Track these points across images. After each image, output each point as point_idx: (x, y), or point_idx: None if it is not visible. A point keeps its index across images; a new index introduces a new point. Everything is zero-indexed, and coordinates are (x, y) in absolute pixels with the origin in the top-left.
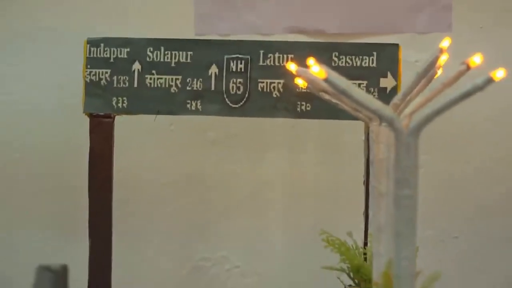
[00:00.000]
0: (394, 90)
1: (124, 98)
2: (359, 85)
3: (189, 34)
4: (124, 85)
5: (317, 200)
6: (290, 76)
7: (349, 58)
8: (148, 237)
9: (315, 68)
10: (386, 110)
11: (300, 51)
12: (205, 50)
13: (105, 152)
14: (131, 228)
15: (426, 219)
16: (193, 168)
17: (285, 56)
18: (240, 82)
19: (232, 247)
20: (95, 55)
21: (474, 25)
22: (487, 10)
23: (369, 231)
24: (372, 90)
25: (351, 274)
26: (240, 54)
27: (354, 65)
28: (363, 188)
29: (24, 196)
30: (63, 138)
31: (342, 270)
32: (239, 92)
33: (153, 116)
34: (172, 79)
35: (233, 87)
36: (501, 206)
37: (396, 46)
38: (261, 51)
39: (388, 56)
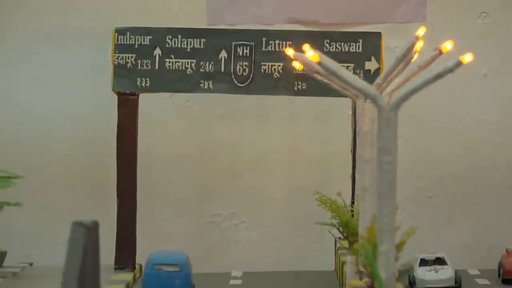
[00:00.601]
0: (377, 71)
1: (147, 79)
2: (347, 67)
3: (202, 24)
4: (147, 68)
5: (311, 165)
6: (288, 59)
7: (338, 45)
8: (167, 197)
9: (310, 53)
10: (370, 89)
11: (296, 39)
12: (215, 38)
13: (130, 125)
14: (153, 190)
15: (404, 181)
16: (205, 138)
17: (284, 43)
18: (245, 65)
19: (240, 205)
20: (122, 42)
21: (445, 16)
22: (456, 4)
23: (355, 192)
24: (358, 71)
25: (340, 229)
26: (245, 41)
27: (343, 50)
28: (350, 155)
29: (62, 163)
30: (95, 113)
31: (333, 225)
32: (244, 74)
33: (172, 94)
34: (187, 62)
35: (239, 69)
36: (468, 170)
37: (378, 34)
38: (264, 39)
39: (371, 43)
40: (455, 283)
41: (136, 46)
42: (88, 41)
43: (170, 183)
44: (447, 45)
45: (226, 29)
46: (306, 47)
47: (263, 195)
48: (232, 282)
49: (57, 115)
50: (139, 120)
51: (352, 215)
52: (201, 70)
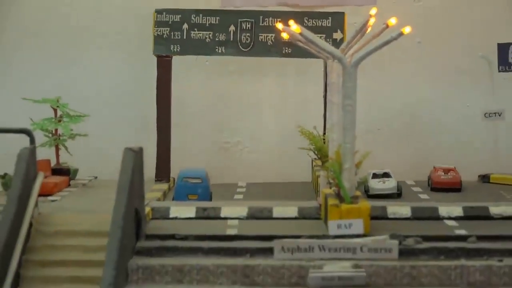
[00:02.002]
0: (342, 40)
1: (178, 45)
2: (320, 37)
3: (217, 6)
4: (177, 38)
5: (295, 107)
6: (278, 32)
7: (314, 21)
8: (192, 130)
9: (294, 27)
10: (337, 52)
11: (284, 16)
12: (226, 16)
13: (166, 79)
14: (182, 125)
15: (361, 118)
16: (219, 87)
17: (275, 19)
18: (248, 36)
19: (244, 136)
20: (160, 20)
21: (390, 0)
22: None
23: (326, 126)
24: (328, 40)
25: (316, 152)
26: (248, 18)
27: (317, 25)
28: (323, 100)
29: (117, 108)
30: (141, 71)
31: (310, 149)
32: (247, 42)
33: (195, 56)
34: (206, 34)
35: (243, 38)
36: (407, 110)
37: (343, 13)
38: (261, 17)
39: (338, 20)
40: (397, 190)
41: (170, 22)
42: (135, 19)
43: (193, 120)
44: (392, 21)
45: (234, 10)
46: (291, 22)
47: (261, 129)
48: (238, 190)
49: (114, 74)
50: (172, 75)
51: (324, 143)
52: (216, 39)
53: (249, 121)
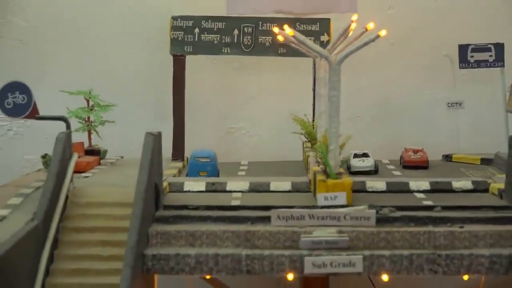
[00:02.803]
0: (328, 42)
1: (190, 46)
2: (310, 39)
3: (223, 13)
4: (190, 40)
5: (288, 98)
6: (274, 35)
7: (304, 25)
8: (202, 117)
9: (288, 30)
10: (324, 52)
11: (280, 22)
12: (231, 22)
13: (180, 75)
14: (194, 113)
15: (343, 107)
16: (225, 81)
17: (272, 24)
18: (249, 38)
19: (245, 122)
20: (175, 25)
21: (368, 8)
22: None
23: (315, 114)
24: (316, 42)
25: (306, 136)
26: (249, 23)
27: (307, 29)
28: (312, 92)
29: (138, 99)
30: (159, 68)
31: (302, 133)
32: (249, 43)
33: (206, 56)
34: (215, 36)
35: (245, 40)
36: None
37: (328, 19)
38: (260, 22)
39: (324, 25)
40: (374, 168)
41: (184, 27)
42: (155, 24)
43: (204, 109)
44: (370, 25)
45: (237, 17)
46: (285, 26)
47: (260, 116)
48: (241, 167)
49: (136, 70)
50: (185, 71)
51: (313, 128)
52: (223, 41)
53: (250, 110)
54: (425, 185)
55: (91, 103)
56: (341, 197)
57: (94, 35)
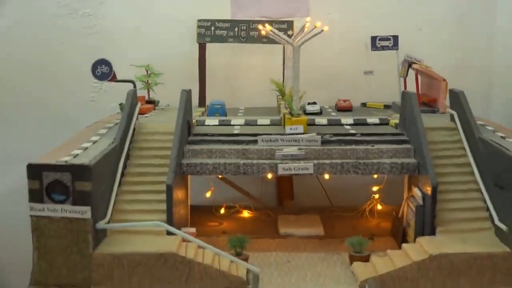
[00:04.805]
0: (292, 35)
1: (209, 37)
2: (281, 32)
3: (228, 16)
4: (208, 33)
5: (268, 70)
6: (259, 30)
7: (278, 25)
8: (216, 82)
9: (267, 27)
10: (290, 40)
11: (263, 22)
12: (234, 22)
13: (203, 56)
14: (211, 79)
15: (301, 73)
16: (230, 60)
17: (258, 24)
18: (244, 32)
19: (242, 85)
20: (200, 24)
21: (319, 13)
22: (319, 5)
23: (284, 78)
24: (285, 34)
25: (279, 91)
26: (245, 24)
27: (280, 27)
28: (282, 66)
29: (173, 75)
30: (187, 53)
31: (276, 90)
32: (244, 36)
33: (218, 44)
34: (223, 31)
35: (242, 34)
36: (325, 68)
37: (292, 21)
38: (251, 23)
39: (290, 24)
40: (320, 111)
41: (205, 25)
42: (187, 24)
43: (217, 77)
44: (318, 24)
45: (237, 19)
46: (266, 25)
47: (251, 81)
48: (240, 111)
49: (176, 52)
50: (206, 53)
51: (283, 87)
52: (228, 34)
53: (245, 78)
54: (350, 121)
55: (149, 72)
56: (300, 128)
57: (151, 31)
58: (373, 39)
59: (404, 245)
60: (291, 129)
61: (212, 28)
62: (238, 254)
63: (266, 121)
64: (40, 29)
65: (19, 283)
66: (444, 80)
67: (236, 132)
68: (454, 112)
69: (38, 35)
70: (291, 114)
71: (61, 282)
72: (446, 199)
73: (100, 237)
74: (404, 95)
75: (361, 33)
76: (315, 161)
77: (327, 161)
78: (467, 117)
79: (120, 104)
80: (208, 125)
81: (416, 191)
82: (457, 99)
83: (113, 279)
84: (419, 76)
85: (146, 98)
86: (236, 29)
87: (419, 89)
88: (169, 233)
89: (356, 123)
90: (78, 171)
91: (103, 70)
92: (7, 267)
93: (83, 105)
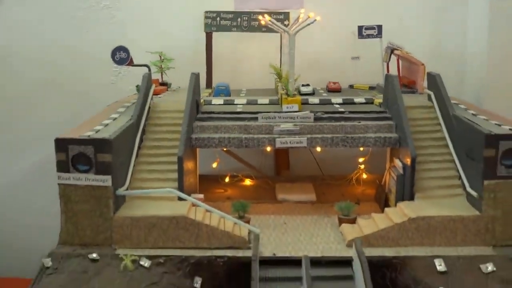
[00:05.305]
0: (288, 24)
1: (215, 27)
2: (279, 22)
3: (232, 8)
4: (214, 23)
5: (268, 55)
6: (259, 20)
7: (276, 15)
8: (221, 65)
9: (266, 17)
10: (286, 29)
11: (263, 13)
12: (237, 13)
13: (210, 43)
14: (217, 63)
15: (296, 58)
16: (234, 47)
17: (259, 15)
18: (246, 22)
19: (244, 68)
20: (207, 15)
21: (310, 5)
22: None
23: (281, 63)
24: (282, 24)
25: (276, 75)
26: (246, 15)
27: (277, 17)
28: (279, 53)
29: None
30: (195, 41)
31: (275, 73)
32: (246, 25)
33: (222, 32)
34: (228, 21)
35: (244, 23)
36: (316, 54)
37: (288, 12)
38: (252, 14)
39: (286, 15)
40: (313, 92)
41: (211, 16)
42: (196, 14)
43: (222, 61)
44: (312, 14)
45: (240, 11)
46: (266, 15)
47: (251, 69)
48: (242, 92)
49: (186, 39)
50: (212, 41)
51: (280, 70)
52: (232, 24)
53: (247, 63)
54: (339, 100)
55: (162, 58)
56: (295, 107)
57: (163, 21)
58: (360, 28)
59: (386, 209)
60: (287, 107)
61: (218, 18)
62: (240, 217)
63: (265, 100)
64: (64, 20)
65: (50, 242)
66: (422, 64)
67: (239, 110)
68: (431, 92)
69: (65, 25)
70: (287, 94)
71: (86, 242)
72: (424, 169)
73: (119, 202)
74: (387, 77)
75: (349, 23)
76: (309, 136)
77: (319, 136)
78: (442, 96)
79: (137, 86)
80: (214, 104)
81: (397, 162)
82: (434, 81)
83: (131, 238)
84: (400, 61)
85: (160, 80)
86: (239, 19)
87: (400, 73)
88: (180, 198)
89: (344, 102)
90: (99, 144)
91: (121, 56)
92: (39, 229)
93: (104, 87)
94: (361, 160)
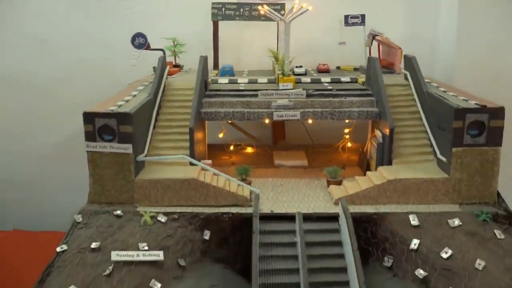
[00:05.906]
0: (284, 13)
1: (221, 16)
2: (276, 12)
3: (235, 0)
4: (220, 13)
5: (266, 42)
6: (259, 10)
7: (273, 6)
8: (227, 50)
9: (265, 8)
10: (282, 17)
11: (262, 4)
12: (240, 4)
13: (216, 31)
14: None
15: (291, 44)
16: (238, 34)
17: (258, 6)
18: (248, 12)
19: (246, 54)
20: (214, 6)
21: None
22: None
23: (278, 47)
24: (278, 13)
25: (274, 57)
26: (248, 6)
27: (275, 8)
28: (276, 39)
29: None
30: (204, 28)
31: (272, 56)
32: (247, 15)
33: (227, 21)
34: (232, 11)
35: (246, 13)
36: (309, 41)
37: (284, 3)
38: (252, 4)
39: (282, 5)
40: (305, 72)
41: (217, 6)
42: (204, 6)
43: (227, 47)
44: (304, 4)
45: (242, 2)
46: (265, 6)
47: (252, 53)
48: (244, 72)
49: (197, 26)
50: (218, 29)
51: (277, 54)
52: (236, 14)
53: (248, 47)
54: (328, 79)
55: (175, 43)
56: (290, 85)
57: (176, 11)
58: (346, 17)
59: (368, 172)
60: (283, 86)
61: (223, 9)
62: (243, 180)
63: (264, 80)
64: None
65: (80, 201)
66: (400, 48)
67: (241, 88)
68: (407, 73)
69: (90, 15)
70: (283, 74)
71: (111, 201)
72: (401, 138)
73: (139, 167)
74: (369, 60)
75: (336, 13)
76: (301, 110)
77: (311, 110)
78: (417, 76)
79: (154, 67)
80: (220, 83)
81: (378, 132)
82: (410, 63)
83: (150, 198)
84: (380, 46)
85: (173, 63)
86: (241, 9)
87: (381, 56)
88: (191, 164)
89: (332, 81)
90: (121, 117)
91: (140, 41)
92: (71, 190)
93: (126, 68)
94: (346, 131)
